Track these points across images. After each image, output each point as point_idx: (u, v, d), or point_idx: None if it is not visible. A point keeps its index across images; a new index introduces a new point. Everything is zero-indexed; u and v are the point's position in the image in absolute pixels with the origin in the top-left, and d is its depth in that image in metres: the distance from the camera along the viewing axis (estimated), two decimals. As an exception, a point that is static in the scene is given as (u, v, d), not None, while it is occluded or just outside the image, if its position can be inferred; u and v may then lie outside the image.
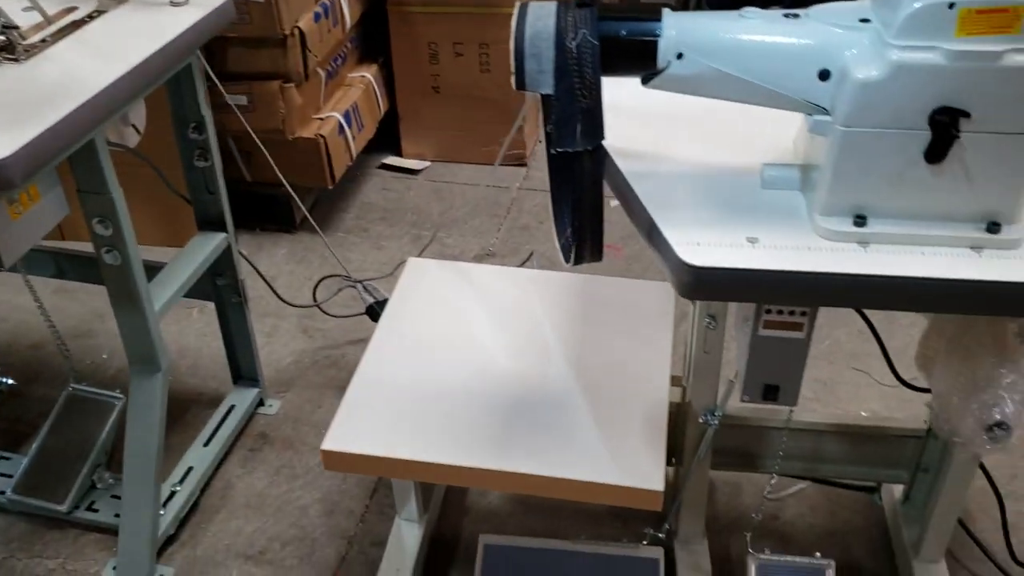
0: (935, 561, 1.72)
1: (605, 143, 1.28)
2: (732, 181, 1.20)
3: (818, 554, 1.64)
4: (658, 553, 1.71)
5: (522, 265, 2.64)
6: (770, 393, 1.25)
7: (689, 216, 1.13)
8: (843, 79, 1.02)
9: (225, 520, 1.97)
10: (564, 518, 1.97)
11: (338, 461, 1.40)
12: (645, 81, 1.11)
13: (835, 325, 2.44)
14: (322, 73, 2.76)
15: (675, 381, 1.66)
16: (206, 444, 2.07)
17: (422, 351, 1.57)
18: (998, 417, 1.26)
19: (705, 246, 1.08)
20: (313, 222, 2.45)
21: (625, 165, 1.23)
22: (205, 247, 1.92)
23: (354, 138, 2.88)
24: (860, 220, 1.07)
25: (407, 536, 1.79)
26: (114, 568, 1.83)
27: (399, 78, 3.11)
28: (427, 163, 3.20)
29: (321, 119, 2.76)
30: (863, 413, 2.20)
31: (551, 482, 1.36)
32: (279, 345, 2.44)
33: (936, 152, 1.02)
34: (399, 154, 3.25)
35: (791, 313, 1.17)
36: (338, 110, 2.81)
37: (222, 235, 1.95)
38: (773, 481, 1.65)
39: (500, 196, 3.02)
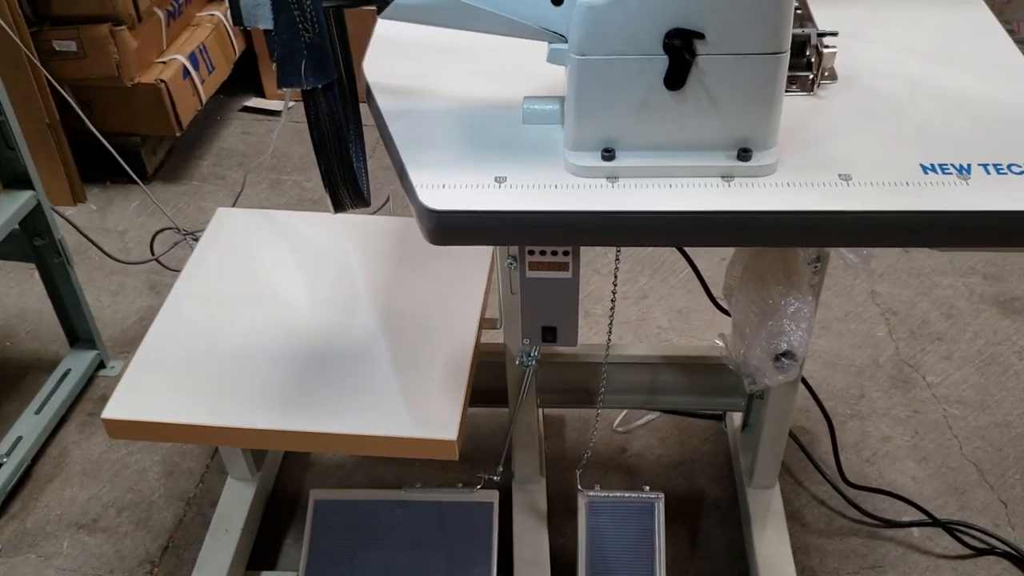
0: (769, 487, 1.73)
1: (370, 80, 1.22)
2: (496, 117, 1.13)
3: (647, 487, 1.64)
4: (493, 496, 1.69)
5: (379, 210, 2.57)
6: (548, 334, 1.20)
7: (441, 156, 1.06)
8: (573, 3, 0.95)
9: (59, 489, 1.90)
10: (413, 466, 1.93)
11: (122, 430, 1.33)
12: (380, 11, 1.03)
13: (696, 255, 2.42)
14: (161, 13, 2.61)
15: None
16: (37, 412, 1.99)
17: (221, 307, 1.49)
18: (785, 347, 1.24)
19: (450, 188, 1.01)
20: (134, 173, 2.33)
21: (385, 102, 1.16)
22: (10, 206, 1.80)
23: (203, 81, 2.74)
24: (608, 154, 1.02)
25: (238, 496, 1.74)
26: (-66, 548, 1.76)
27: (253, 15, 2.95)
28: (291, 104, 3.07)
29: (163, 63, 2.62)
30: (718, 342, 2.19)
31: (342, 439, 1.31)
32: (125, 303, 2.34)
33: (674, 78, 0.96)
34: (263, 95, 3.12)
35: (554, 253, 1.12)
36: (183, 52, 2.67)
37: (29, 193, 1.84)
38: (598, 416, 1.63)
39: (366, 135, 2.92)
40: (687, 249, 1.70)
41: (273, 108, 3.07)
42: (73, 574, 1.74)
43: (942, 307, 2.26)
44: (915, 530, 1.77)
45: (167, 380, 1.38)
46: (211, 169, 2.82)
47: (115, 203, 2.69)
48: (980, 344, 2.15)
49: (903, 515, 1.79)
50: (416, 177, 1.03)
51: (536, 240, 1.07)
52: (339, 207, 1.17)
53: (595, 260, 2.44)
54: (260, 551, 1.76)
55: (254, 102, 3.10)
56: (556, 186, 1.01)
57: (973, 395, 2.03)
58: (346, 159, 1.10)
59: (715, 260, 2.39)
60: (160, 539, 1.80)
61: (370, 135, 1.15)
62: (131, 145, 2.67)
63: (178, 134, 2.66)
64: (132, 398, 1.35)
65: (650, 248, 2.46)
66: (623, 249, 2.47)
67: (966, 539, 1.75)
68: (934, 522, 1.76)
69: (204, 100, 2.75)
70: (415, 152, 1.07)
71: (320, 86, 1.02)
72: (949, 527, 1.75)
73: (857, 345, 2.16)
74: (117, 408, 1.34)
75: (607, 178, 1.02)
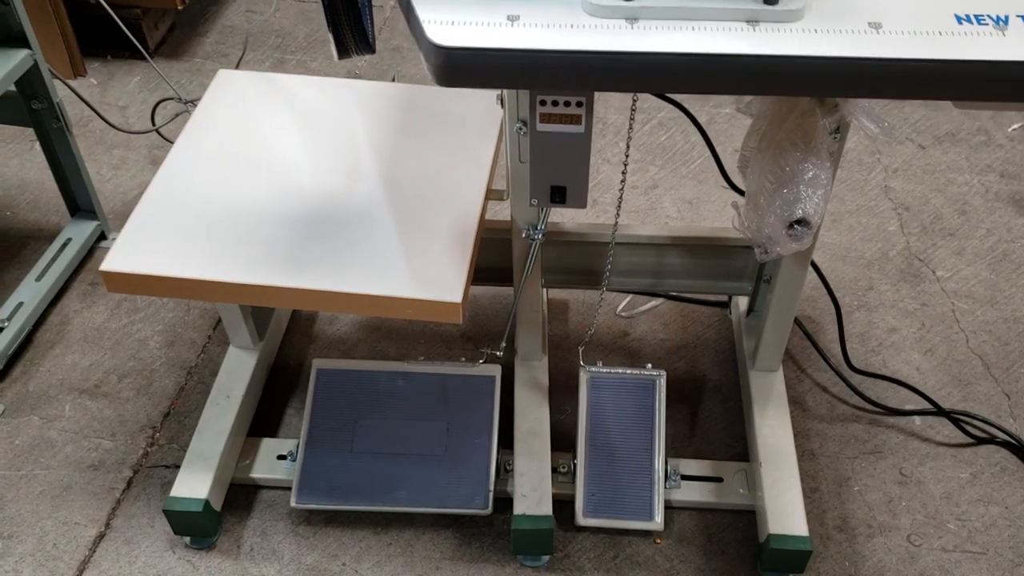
0: (772, 370, 1.72)
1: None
2: (510, -43, 1.07)
3: (649, 365, 1.63)
4: (495, 371, 1.69)
5: (386, 87, 2.50)
6: (557, 195, 1.17)
7: (451, -6, 1.01)
8: None
9: (60, 355, 1.90)
10: (416, 342, 1.93)
11: (120, 282, 1.32)
12: None
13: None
14: None
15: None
16: (38, 279, 1.97)
17: (221, 169, 1.46)
18: (800, 214, 1.21)
19: (460, 26, 0.97)
20: (136, 46, 2.26)
21: (394, -58, 1.10)
22: (5, 65, 1.75)
23: (206, -48, 2.64)
24: (628, -8, 0.97)
25: (240, 363, 1.74)
26: (-63, 407, 1.77)
27: None
28: (296, -18, 2.98)
29: (164, -70, 2.52)
30: (732, 210, 2.16)
31: (347, 298, 1.29)
32: (127, 177, 2.31)
33: (702, -92, 0.91)
34: (267, -27, 3.02)
35: (567, 104, 1.08)
36: (184, -80, 2.57)
37: (24, 52, 1.78)
38: (603, 295, 1.61)
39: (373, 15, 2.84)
40: (704, 130, 1.64)
41: (278, -14, 2.97)
42: (75, 436, 1.75)
43: (956, 204, 2.22)
44: (916, 418, 1.77)
45: (167, 236, 1.36)
46: (214, 47, 2.75)
47: (116, 78, 2.63)
48: (993, 241, 2.12)
49: (906, 404, 1.79)
50: (423, 12, 0.98)
51: (550, 83, 1.02)
52: (343, 52, 1.13)
53: (605, 149, 2.39)
54: (261, 420, 1.77)
55: (259, -20, 3.00)
56: (572, 26, 0.97)
57: (983, 290, 2.01)
58: (353, -3, 1.05)
59: (728, 151, 2.34)
60: (161, 406, 1.81)
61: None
62: (132, 18, 2.59)
63: (180, 7, 2.58)
64: (131, 252, 1.33)
65: (663, 138, 2.41)
66: (634, 138, 2.43)
67: (968, 428, 1.75)
68: (937, 410, 1.76)
69: (207, -28, 2.66)
70: (424, -11, 1.02)
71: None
72: (951, 416, 1.75)
73: (868, 239, 2.13)
74: (116, 261, 1.32)
75: (626, 19, 0.97)
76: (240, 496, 1.65)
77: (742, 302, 1.87)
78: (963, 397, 1.81)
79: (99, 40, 2.63)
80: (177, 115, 2.11)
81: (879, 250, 2.11)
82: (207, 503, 1.54)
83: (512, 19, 0.98)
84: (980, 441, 1.73)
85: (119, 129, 2.10)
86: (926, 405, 1.77)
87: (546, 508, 1.53)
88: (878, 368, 1.85)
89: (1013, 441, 1.72)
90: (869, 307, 1.99)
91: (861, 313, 1.98)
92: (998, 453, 1.72)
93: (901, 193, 2.25)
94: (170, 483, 1.58)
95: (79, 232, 2.08)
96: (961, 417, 1.75)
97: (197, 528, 1.57)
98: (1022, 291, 2.00)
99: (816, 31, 0.96)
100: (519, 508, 1.53)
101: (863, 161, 2.33)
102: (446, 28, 0.97)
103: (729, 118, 2.47)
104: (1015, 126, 2.41)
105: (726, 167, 1.70)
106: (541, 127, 1.10)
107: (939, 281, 2.03)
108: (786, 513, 1.52)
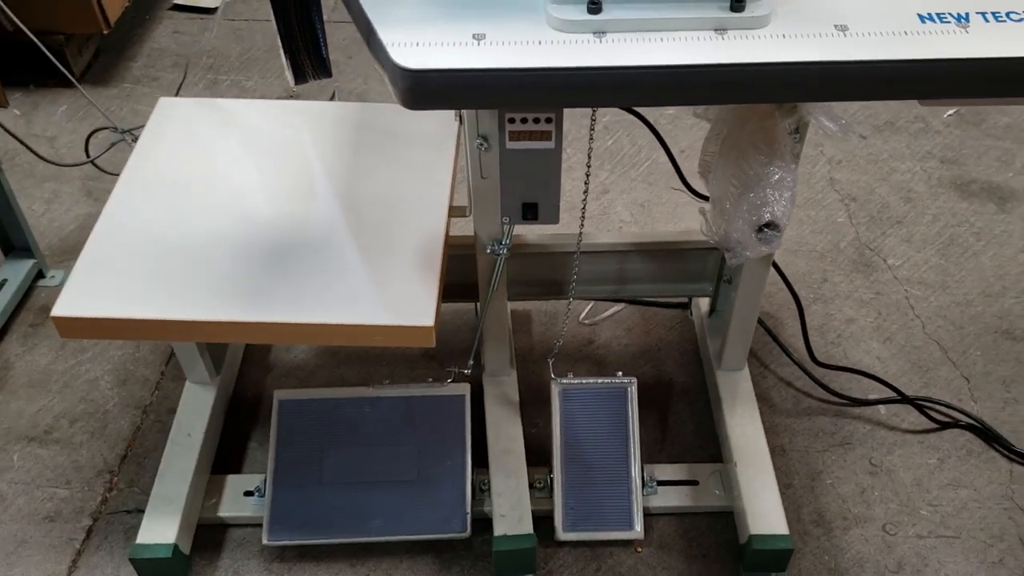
0: (737, 369, 1.72)
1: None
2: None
3: (620, 373, 1.62)
4: (464, 389, 1.66)
5: (326, 104, 2.45)
6: (529, 212, 1.15)
7: (412, 13, 0.99)
8: None
9: (4, 402, 1.81)
10: (377, 365, 1.89)
11: (73, 328, 1.26)
12: None
13: (656, 147, 2.38)
14: (78, -102, 2.41)
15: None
16: (-25, 324, 1.88)
17: (172, 200, 1.40)
18: (768, 217, 1.20)
19: (424, 46, 0.94)
20: (60, 73, 2.17)
21: (346, -38, 1.06)
22: (-72, 102, 1.66)
23: (129, -26, 2.56)
24: (594, 7, 0.95)
25: (198, 400, 1.68)
26: None
27: (179, -97, 2.77)
28: (224, 0, 2.91)
29: (85, -47, 2.43)
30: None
31: (314, 329, 1.25)
32: (61, 211, 2.22)
33: (666, -82, 0.90)
34: (193, -8, 2.94)
35: (536, 121, 1.06)
36: (105, -59, 2.48)
37: (-53, 87, 1.70)
38: (570, 306, 1.59)
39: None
40: (659, 133, 1.64)
41: (206, 6, 2.89)
42: (27, 487, 1.67)
43: (901, 192, 2.26)
44: (881, 407, 1.79)
45: (119, 276, 1.30)
46: (143, 71, 2.66)
47: (41, 108, 2.53)
48: (940, 226, 2.16)
49: (869, 393, 1.81)
50: (386, 35, 0.95)
51: (519, 101, 1.00)
52: (300, 77, 1.09)
53: (552, 155, 2.37)
54: (224, 456, 1.71)
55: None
56: (540, 42, 0.95)
57: (934, 276, 2.05)
58: (308, 21, 1.01)
59: (675, 151, 2.34)
60: (118, 448, 1.74)
61: (344, 31, 1.05)
62: (55, 44, 2.49)
63: (105, 32, 2.49)
64: (83, 295, 1.27)
65: (609, 142, 2.41)
66: (581, 142, 2.42)
67: (931, 413, 1.77)
68: (901, 398, 1.78)
69: (131, -6, 2.58)
70: (383, 8, 0.99)
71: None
72: (915, 402, 1.78)
73: (818, 231, 2.16)
74: (67, 305, 1.26)
75: (594, 33, 0.96)
76: (208, 537, 1.60)
77: (702, 303, 1.87)
78: (924, 383, 1.84)
79: (20, 69, 2.52)
80: (112, 144, 2.03)
81: (830, 242, 2.14)
82: (176, 547, 1.49)
83: (478, 38, 0.95)
84: (944, 426, 1.76)
85: (50, 162, 2.01)
86: (889, 393, 1.79)
87: (527, 527, 1.51)
88: (839, 360, 1.87)
89: (976, 424, 1.75)
90: (825, 299, 2.01)
91: (818, 306, 2.00)
92: (963, 436, 1.75)
93: (846, 184, 2.28)
94: (133, 529, 1.52)
95: (15, 272, 1.99)
96: (924, 403, 1.78)
97: (167, 574, 1.51)
98: (972, 274, 2.05)
99: (784, 36, 0.96)
100: (499, 529, 1.50)
101: (807, 154, 2.36)
102: (411, 50, 0.94)
103: (672, 119, 2.48)
104: (950, 112, 2.47)
105: (679, 168, 1.70)
106: (511, 145, 1.08)
107: (891, 269, 2.06)
108: (765, 513, 1.53)
